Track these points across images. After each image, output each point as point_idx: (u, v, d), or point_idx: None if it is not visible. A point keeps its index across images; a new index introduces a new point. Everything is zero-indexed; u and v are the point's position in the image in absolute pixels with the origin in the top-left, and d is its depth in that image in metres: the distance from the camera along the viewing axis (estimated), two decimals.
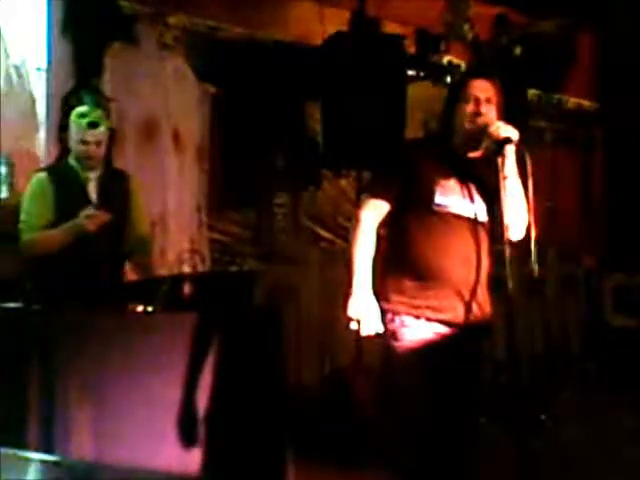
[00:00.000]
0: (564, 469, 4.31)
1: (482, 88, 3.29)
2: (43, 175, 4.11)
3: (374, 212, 3.31)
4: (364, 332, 3.21)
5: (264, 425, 3.81)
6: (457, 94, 3.33)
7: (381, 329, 3.22)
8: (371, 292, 3.24)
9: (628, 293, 7.45)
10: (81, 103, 4.08)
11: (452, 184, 3.26)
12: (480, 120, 3.24)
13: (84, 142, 4.01)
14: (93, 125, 4.00)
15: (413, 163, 3.32)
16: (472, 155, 3.31)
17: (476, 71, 3.52)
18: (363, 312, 3.20)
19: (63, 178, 4.08)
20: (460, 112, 3.28)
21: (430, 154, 3.34)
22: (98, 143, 4.03)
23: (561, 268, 7.59)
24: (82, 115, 4.02)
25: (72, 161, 4.09)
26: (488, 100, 3.28)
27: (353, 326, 3.22)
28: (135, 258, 4.26)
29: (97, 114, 4.04)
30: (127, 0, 5.30)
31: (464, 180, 3.28)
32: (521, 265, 3.12)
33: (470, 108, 3.26)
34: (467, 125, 3.26)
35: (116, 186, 4.17)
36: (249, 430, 3.75)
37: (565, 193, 7.65)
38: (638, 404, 5.78)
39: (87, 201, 4.06)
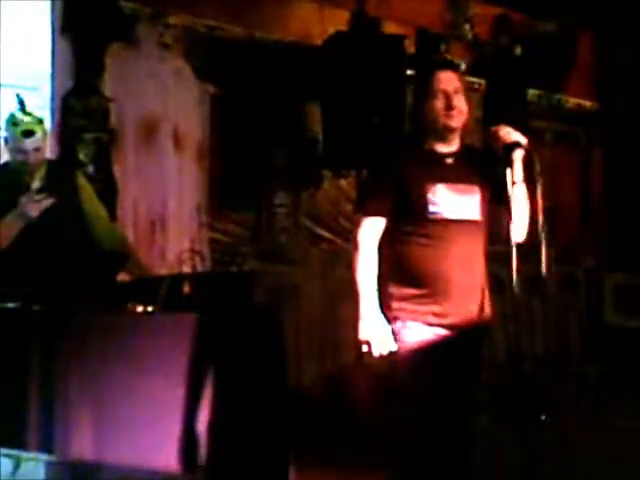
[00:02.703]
0: (564, 469, 4.31)
1: (448, 80, 3.25)
2: None
3: (371, 230, 3.28)
4: (376, 353, 3.22)
5: (264, 425, 3.81)
6: (424, 90, 3.27)
7: (394, 347, 3.22)
8: (379, 312, 3.23)
9: (628, 293, 7.45)
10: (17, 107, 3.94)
11: (441, 187, 3.23)
12: (454, 113, 3.22)
13: (21, 151, 3.88)
14: (28, 134, 3.85)
15: (400, 174, 3.26)
16: (449, 150, 3.29)
17: (439, 63, 3.47)
18: (374, 334, 3.21)
19: (7, 182, 3.96)
20: (431, 108, 3.24)
21: (413, 161, 3.30)
22: (36, 149, 3.90)
23: (561, 268, 7.59)
24: (14, 124, 3.88)
25: (15, 165, 3.96)
26: (456, 91, 3.24)
27: (364, 348, 3.23)
28: (111, 247, 4.10)
29: (31, 121, 3.89)
30: (127, 0, 5.30)
31: (451, 180, 3.25)
32: (522, 266, 3.12)
33: (441, 103, 3.22)
34: (441, 120, 3.23)
35: (63, 182, 4.05)
36: (249, 430, 3.75)
37: (565, 193, 7.65)
38: (638, 404, 5.78)
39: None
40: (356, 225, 3.34)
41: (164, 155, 5.55)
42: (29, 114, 3.94)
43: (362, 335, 3.23)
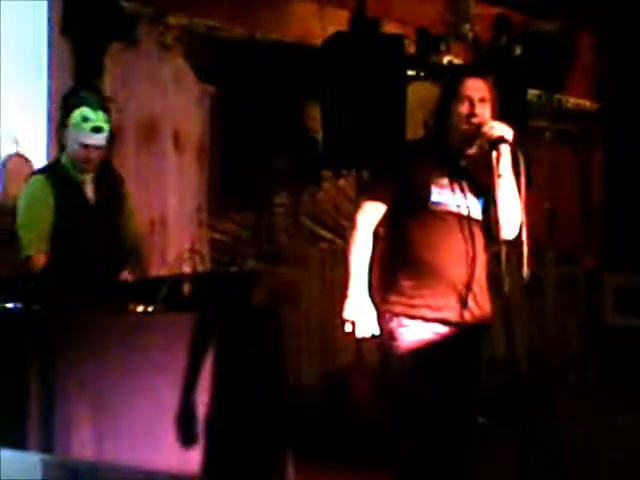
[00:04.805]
0: (563, 469, 4.31)
1: (476, 88, 3.28)
2: (42, 177, 4.07)
3: (371, 214, 3.32)
4: (358, 334, 3.23)
5: (264, 425, 3.82)
6: (450, 93, 3.31)
7: (376, 331, 3.23)
8: (367, 294, 3.25)
9: (628, 293, 7.45)
10: (84, 104, 4.01)
11: (447, 182, 3.27)
12: (475, 121, 3.24)
13: (85, 146, 3.95)
14: (97, 130, 3.94)
15: (408, 163, 3.32)
16: (466, 153, 3.31)
17: (469, 70, 3.51)
18: (358, 314, 3.22)
19: (60, 180, 4.03)
20: (454, 112, 3.28)
21: (425, 154, 3.35)
22: (98, 147, 3.98)
23: (561, 268, 7.59)
24: (86, 119, 3.94)
25: (66, 162, 4.04)
26: (482, 100, 3.27)
27: (347, 328, 3.24)
28: (129, 262, 4.24)
29: (101, 119, 3.98)
30: (127, 0, 5.30)
31: (459, 178, 3.29)
32: (521, 265, 3.12)
33: (465, 109, 3.26)
34: (462, 126, 3.26)
35: (111, 188, 4.16)
36: (249, 430, 3.75)
37: (565, 193, 7.65)
38: (637, 404, 5.78)
39: (85, 202, 4.05)
40: (357, 207, 3.38)
41: (164, 155, 5.55)
42: (99, 112, 3.98)
43: (346, 314, 3.25)
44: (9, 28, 4.81)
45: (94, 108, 3.97)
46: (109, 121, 4.05)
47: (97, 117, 3.96)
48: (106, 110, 4.10)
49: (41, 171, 4.19)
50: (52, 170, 4.11)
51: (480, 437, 3.47)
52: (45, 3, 5.04)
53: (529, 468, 3.06)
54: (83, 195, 4.06)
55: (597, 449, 4.91)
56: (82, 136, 3.94)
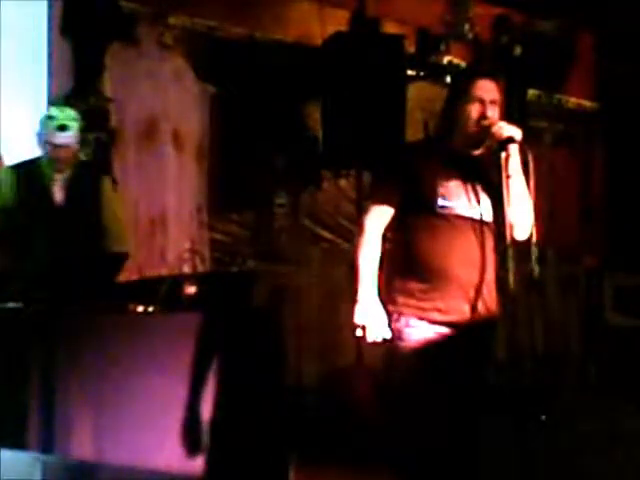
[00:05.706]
0: (564, 469, 4.31)
1: (487, 89, 3.25)
2: (9, 170, 4.12)
3: (378, 218, 3.30)
4: (370, 338, 3.22)
5: (264, 425, 3.81)
6: (461, 94, 3.28)
7: (388, 335, 3.22)
8: (377, 298, 3.24)
9: (628, 293, 7.45)
10: (52, 103, 4.03)
11: (455, 184, 3.25)
12: (486, 123, 3.22)
13: (52, 145, 3.96)
14: (62, 128, 3.94)
15: (414, 166, 3.30)
16: (474, 154, 3.30)
17: (482, 71, 3.48)
18: (369, 319, 3.21)
19: (29, 176, 4.04)
20: (464, 113, 3.25)
21: (431, 155, 3.32)
22: (67, 146, 3.98)
23: (561, 268, 7.59)
24: (50, 117, 3.97)
25: (43, 161, 4.05)
26: (493, 102, 3.25)
27: (358, 333, 3.23)
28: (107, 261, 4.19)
29: (67, 117, 3.97)
30: (127, 0, 5.30)
31: (467, 180, 3.27)
32: (521, 265, 3.11)
33: (476, 110, 3.23)
34: (472, 127, 3.23)
35: (84, 186, 4.12)
36: (249, 430, 3.75)
37: (565, 193, 7.65)
38: (638, 404, 5.77)
39: (50, 201, 4.04)
40: (364, 211, 3.37)
41: (164, 155, 5.55)
42: (65, 110, 3.99)
43: (357, 319, 3.24)
44: (9, 28, 4.82)
45: (59, 106, 3.99)
46: (77, 119, 4.04)
47: (62, 115, 3.97)
48: (77, 108, 4.10)
49: (12, 166, 4.20)
50: (24, 166, 4.12)
51: (481, 436, 3.47)
52: (45, 3, 5.04)
53: (529, 468, 3.06)
54: (49, 194, 4.04)
55: (597, 449, 4.91)
56: (47, 135, 3.96)
